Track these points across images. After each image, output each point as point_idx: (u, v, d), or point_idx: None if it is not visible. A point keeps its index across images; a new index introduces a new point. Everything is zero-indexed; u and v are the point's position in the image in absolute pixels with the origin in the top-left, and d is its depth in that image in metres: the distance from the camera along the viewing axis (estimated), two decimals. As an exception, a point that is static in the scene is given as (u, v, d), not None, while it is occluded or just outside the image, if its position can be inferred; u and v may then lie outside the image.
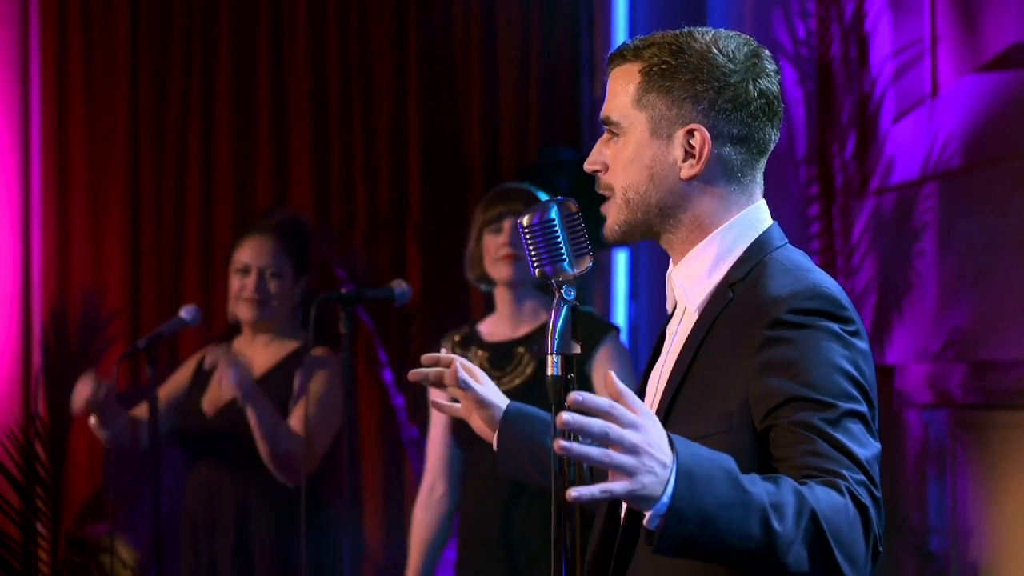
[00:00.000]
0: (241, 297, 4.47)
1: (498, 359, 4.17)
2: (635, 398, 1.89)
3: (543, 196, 4.21)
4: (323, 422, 4.38)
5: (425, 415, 5.33)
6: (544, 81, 5.61)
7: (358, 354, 5.39)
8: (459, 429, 4.17)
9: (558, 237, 2.24)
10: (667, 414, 2.20)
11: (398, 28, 5.61)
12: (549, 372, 2.22)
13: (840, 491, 1.97)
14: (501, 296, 4.22)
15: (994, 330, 4.33)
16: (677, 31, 2.30)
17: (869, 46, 5.04)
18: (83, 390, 4.19)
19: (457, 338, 4.25)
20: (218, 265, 5.50)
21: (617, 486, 1.84)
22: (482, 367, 4.14)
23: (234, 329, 4.61)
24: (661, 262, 2.34)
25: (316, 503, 4.15)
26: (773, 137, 2.30)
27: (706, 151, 2.24)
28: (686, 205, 2.26)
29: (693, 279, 2.28)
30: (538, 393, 4.07)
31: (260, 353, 4.50)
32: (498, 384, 4.13)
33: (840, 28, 5.09)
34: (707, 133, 2.24)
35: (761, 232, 2.27)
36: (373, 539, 5.34)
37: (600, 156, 2.32)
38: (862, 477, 2.00)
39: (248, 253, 4.48)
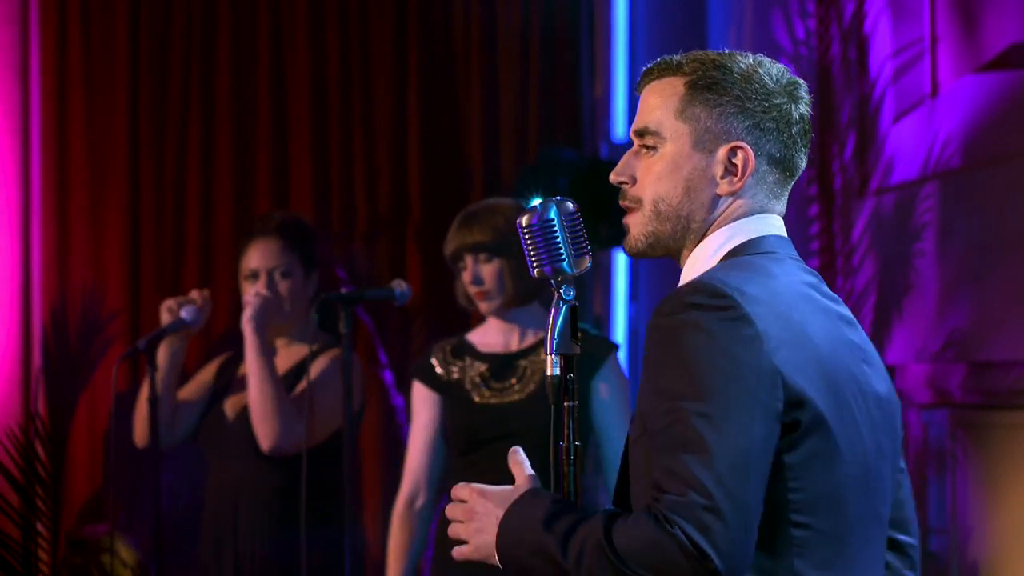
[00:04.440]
0: None
1: (498, 371, 4.08)
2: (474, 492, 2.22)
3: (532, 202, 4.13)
4: (324, 398, 4.31)
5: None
6: (544, 81, 5.60)
7: (358, 354, 5.39)
8: (457, 435, 4.10)
9: (557, 237, 2.25)
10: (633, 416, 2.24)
11: (398, 28, 5.61)
12: (548, 372, 2.22)
13: (649, 518, 2.03)
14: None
15: (994, 330, 4.33)
16: (717, 51, 2.30)
17: (869, 46, 5.04)
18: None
19: (448, 348, 4.14)
20: (218, 265, 5.50)
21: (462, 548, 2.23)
22: (482, 378, 4.09)
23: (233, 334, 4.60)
24: (661, 264, 2.34)
25: (316, 502, 4.13)
26: (803, 164, 2.31)
27: (749, 169, 2.24)
28: (710, 218, 2.25)
29: (683, 281, 2.28)
30: (537, 409, 4.02)
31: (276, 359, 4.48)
32: (497, 397, 4.10)
33: (840, 28, 5.08)
34: (751, 151, 2.24)
35: (751, 238, 2.25)
36: (373, 538, 5.34)
37: (629, 169, 2.28)
38: (674, 499, 2.02)
39: (255, 258, 4.43)
